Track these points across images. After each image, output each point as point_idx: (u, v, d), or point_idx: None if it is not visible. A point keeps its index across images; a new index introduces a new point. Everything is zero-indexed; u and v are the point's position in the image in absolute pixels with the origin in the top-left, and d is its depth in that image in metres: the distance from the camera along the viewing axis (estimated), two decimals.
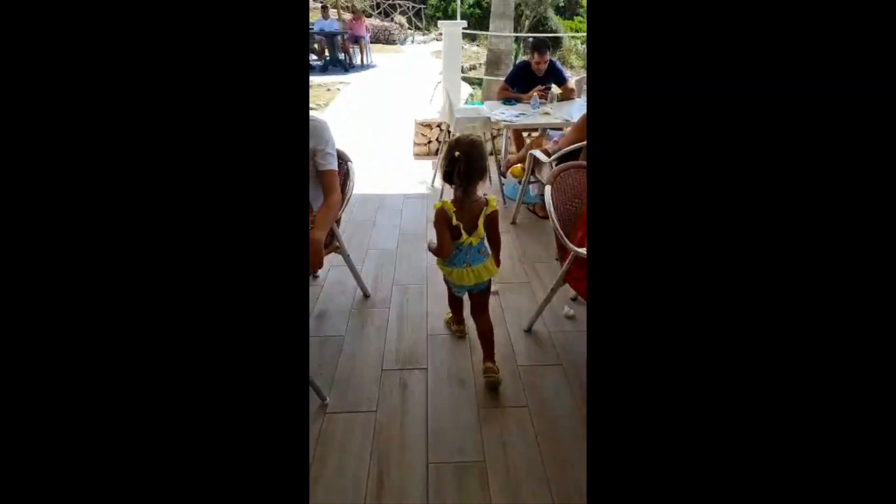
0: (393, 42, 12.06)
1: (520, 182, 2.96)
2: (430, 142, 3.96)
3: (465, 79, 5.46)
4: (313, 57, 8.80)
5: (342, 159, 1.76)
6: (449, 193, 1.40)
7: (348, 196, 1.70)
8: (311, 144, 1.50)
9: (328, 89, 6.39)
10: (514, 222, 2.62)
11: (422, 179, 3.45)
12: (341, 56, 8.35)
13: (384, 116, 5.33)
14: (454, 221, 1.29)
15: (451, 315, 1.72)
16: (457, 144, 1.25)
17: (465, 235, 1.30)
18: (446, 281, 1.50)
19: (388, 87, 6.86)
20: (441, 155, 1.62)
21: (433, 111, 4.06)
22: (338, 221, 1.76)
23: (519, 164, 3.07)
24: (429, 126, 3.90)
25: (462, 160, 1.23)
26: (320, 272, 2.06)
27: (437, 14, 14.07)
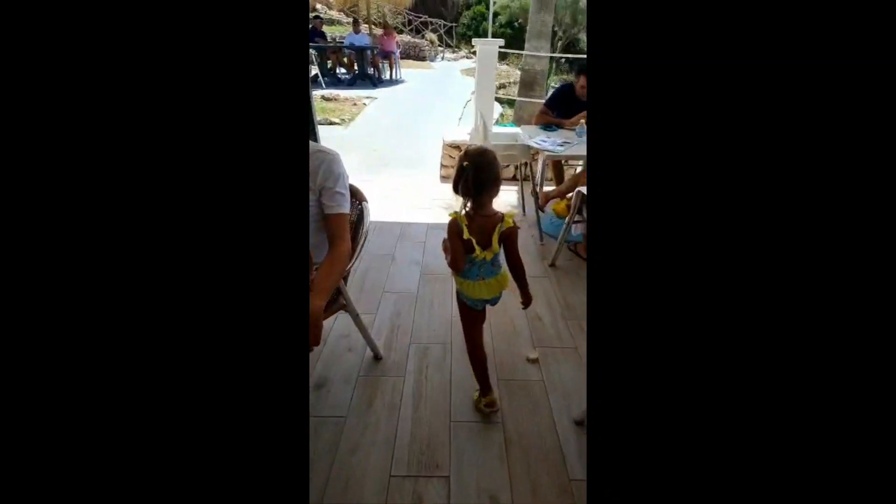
0: (423, 58, 12.03)
1: (559, 217, 2.61)
2: None
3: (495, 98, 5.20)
4: (342, 71, 8.77)
5: (355, 197, 1.44)
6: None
7: (360, 244, 1.37)
8: (319, 181, 1.20)
9: (354, 104, 6.22)
10: (553, 264, 2.26)
11: (447, 204, 3.14)
12: (370, 70, 8.27)
13: (411, 134, 5.08)
14: (465, 235, 1.21)
15: (478, 392, 1.44)
16: (465, 155, 1.19)
17: (478, 250, 1.22)
18: (459, 296, 1.38)
19: (416, 104, 6.65)
20: None
21: (462, 132, 3.77)
22: (345, 277, 1.43)
23: (562, 200, 2.72)
24: (458, 148, 3.61)
25: (470, 170, 1.16)
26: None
27: (468, 33, 14.03)
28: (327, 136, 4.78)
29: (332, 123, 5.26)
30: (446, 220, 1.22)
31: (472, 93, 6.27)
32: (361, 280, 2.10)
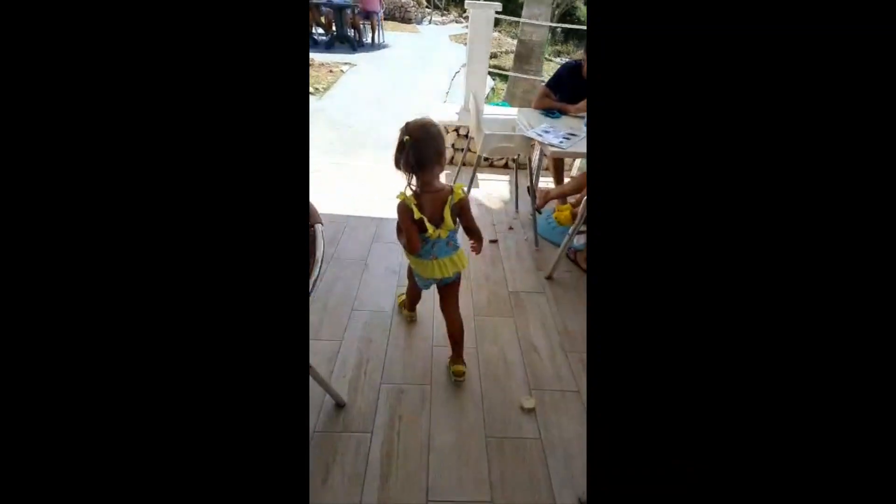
0: (409, 21, 11.17)
1: (561, 226, 2.30)
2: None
3: None
4: (319, 31, 7.99)
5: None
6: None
7: (315, 277, 1.03)
8: None
9: (331, 70, 5.62)
10: (550, 277, 1.97)
11: None
12: (350, 32, 7.54)
13: (392, 110, 4.60)
14: (416, 215, 1.17)
15: (403, 297, 1.67)
16: (406, 128, 1.13)
17: (431, 229, 1.19)
18: (410, 271, 1.46)
19: (399, 74, 6.08)
20: None
21: (450, 112, 3.36)
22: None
23: (564, 204, 2.39)
24: (445, 131, 3.22)
25: (411, 146, 1.10)
26: None
27: None
28: None
29: None
30: None
31: (463, 65, 5.78)
32: (326, 295, 1.76)
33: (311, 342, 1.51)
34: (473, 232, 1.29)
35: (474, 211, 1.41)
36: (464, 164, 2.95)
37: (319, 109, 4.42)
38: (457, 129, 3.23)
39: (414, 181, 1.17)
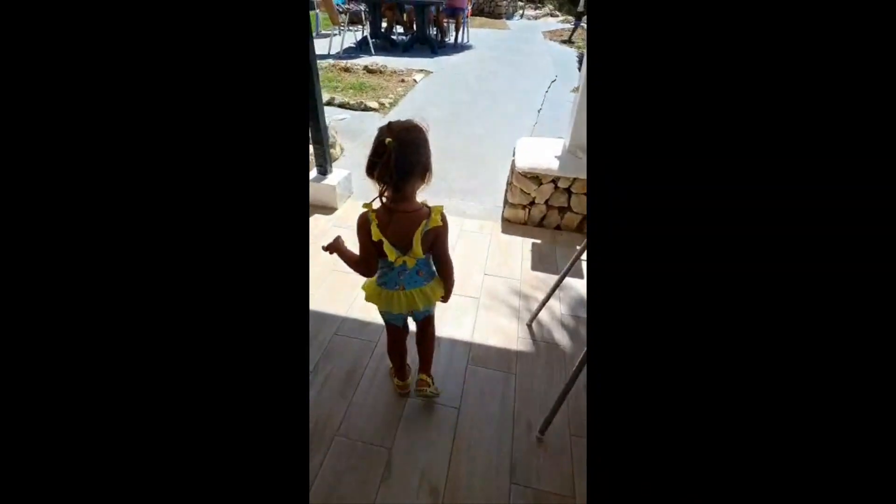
0: (498, 15, 10.12)
1: None
2: (532, 204, 2.31)
3: None
4: (399, 30, 7.34)
5: None
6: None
7: None
8: None
9: (402, 80, 4.87)
10: None
11: (512, 281, 1.89)
12: (432, 32, 6.76)
13: (467, 137, 3.69)
14: (375, 236, 0.95)
15: (392, 367, 1.37)
16: (388, 129, 0.91)
17: (392, 254, 0.97)
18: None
19: (480, 85, 5.14)
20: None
21: (546, 152, 2.36)
22: None
23: None
24: (536, 179, 2.24)
25: (394, 148, 0.87)
26: None
27: None
28: (356, 129, 3.55)
29: (366, 109, 3.99)
30: (506, 314, 1.19)
31: (554, 80, 4.66)
32: None
33: None
34: (444, 271, 1.07)
35: None
36: (558, 229, 2.32)
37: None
38: (555, 181, 2.23)
39: (386, 194, 0.93)
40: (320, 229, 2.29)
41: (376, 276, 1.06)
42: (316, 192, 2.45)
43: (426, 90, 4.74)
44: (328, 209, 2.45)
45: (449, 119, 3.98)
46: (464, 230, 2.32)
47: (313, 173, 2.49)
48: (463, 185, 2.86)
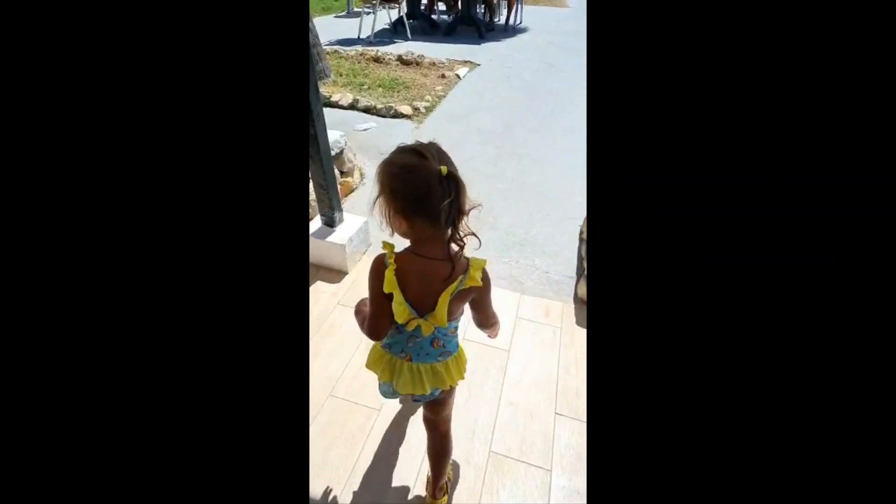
0: None
1: None
2: None
3: None
4: (441, 7, 6.47)
5: None
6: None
7: None
8: None
9: (443, 74, 4.07)
10: None
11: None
12: (479, 11, 5.85)
13: (521, 160, 2.90)
14: (387, 287, 0.73)
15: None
16: (431, 151, 0.70)
17: (405, 314, 0.75)
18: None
19: (540, 80, 4.27)
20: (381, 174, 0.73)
21: None
22: None
23: None
24: None
25: (448, 181, 0.68)
26: None
27: None
28: (381, 143, 2.82)
29: (397, 116, 3.26)
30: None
31: None
32: None
33: None
34: (488, 325, 0.89)
35: None
36: None
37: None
38: None
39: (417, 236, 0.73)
40: (322, 308, 1.64)
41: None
42: (319, 251, 1.81)
43: (471, 89, 3.93)
44: (336, 274, 1.80)
45: (500, 133, 3.17)
46: (519, 317, 1.60)
47: (315, 225, 1.84)
48: (518, 236, 2.11)
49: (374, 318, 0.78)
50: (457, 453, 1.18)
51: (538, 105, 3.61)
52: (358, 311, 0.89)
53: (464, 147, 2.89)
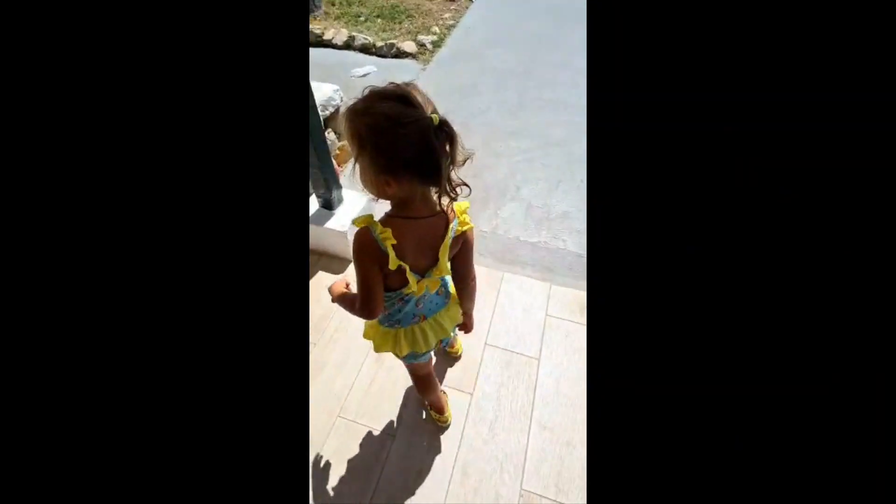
0: None
1: None
2: None
3: None
4: None
5: None
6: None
7: None
8: None
9: None
10: None
11: None
12: None
13: (544, 105, 2.49)
14: (393, 263, 0.68)
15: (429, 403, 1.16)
16: (415, 95, 0.60)
17: (413, 282, 0.72)
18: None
19: (565, 0, 3.60)
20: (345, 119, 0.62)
21: None
22: None
23: None
24: None
25: (439, 129, 0.59)
26: None
27: None
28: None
29: (399, 55, 2.79)
30: None
31: None
32: None
33: None
34: (467, 288, 0.84)
35: None
36: None
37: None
38: None
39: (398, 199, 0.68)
40: (325, 306, 1.45)
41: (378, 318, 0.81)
42: (318, 238, 1.58)
43: (485, 16, 3.34)
44: (339, 262, 1.59)
45: (521, 73, 2.70)
46: (549, 315, 1.39)
47: (312, 207, 1.59)
48: (544, 210, 1.83)
49: (371, 298, 0.72)
50: (481, 491, 1.05)
51: (566, 34, 3.07)
52: (342, 297, 0.83)
53: (477, 94, 2.48)
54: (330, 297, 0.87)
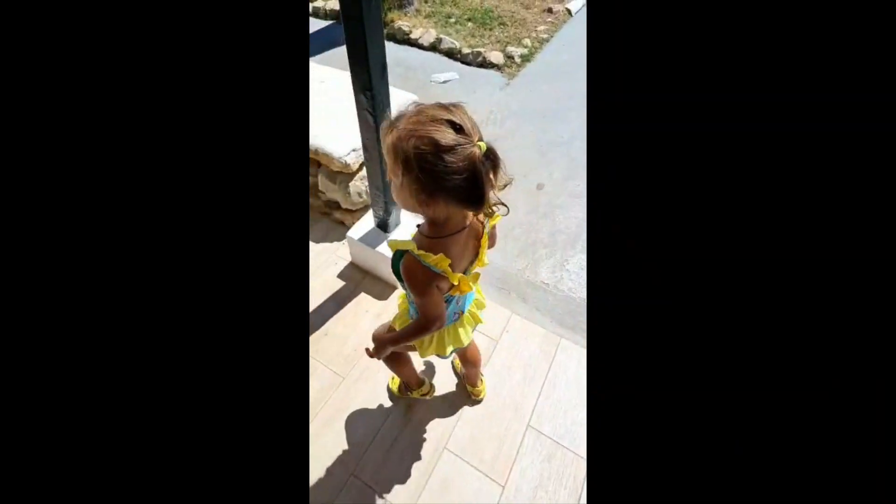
0: None
1: None
2: None
3: None
4: None
5: None
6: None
7: None
8: None
9: (550, 8, 3.18)
10: None
11: None
12: None
13: None
14: (454, 278, 0.71)
15: (399, 382, 1.21)
16: (459, 122, 0.60)
17: (465, 281, 0.76)
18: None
19: None
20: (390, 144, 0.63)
21: None
22: None
23: None
24: None
25: (488, 158, 0.60)
26: None
27: None
28: (458, 101, 2.30)
29: (484, 65, 2.62)
30: None
31: None
32: None
33: None
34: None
35: None
36: None
37: (505, 108, 2.35)
38: None
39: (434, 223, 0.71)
40: (360, 334, 1.34)
41: None
42: (366, 258, 1.48)
43: (584, 34, 3.09)
44: (384, 287, 1.48)
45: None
46: (566, 374, 1.20)
47: (366, 226, 1.49)
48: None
49: (439, 313, 0.75)
50: None
51: None
52: (396, 340, 0.84)
53: (563, 120, 2.27)
54: (378, 353, 0.87)
